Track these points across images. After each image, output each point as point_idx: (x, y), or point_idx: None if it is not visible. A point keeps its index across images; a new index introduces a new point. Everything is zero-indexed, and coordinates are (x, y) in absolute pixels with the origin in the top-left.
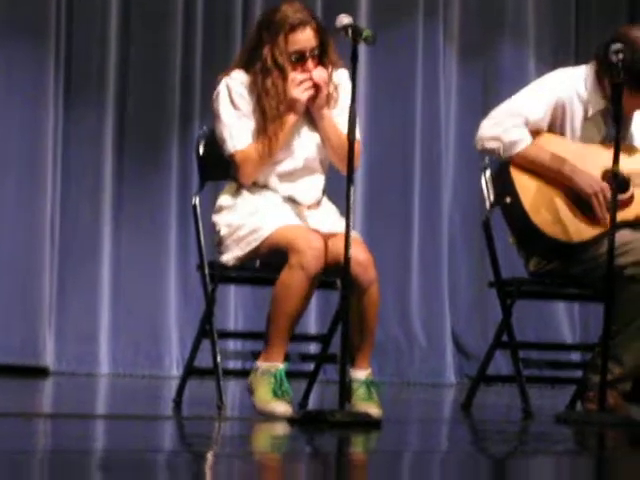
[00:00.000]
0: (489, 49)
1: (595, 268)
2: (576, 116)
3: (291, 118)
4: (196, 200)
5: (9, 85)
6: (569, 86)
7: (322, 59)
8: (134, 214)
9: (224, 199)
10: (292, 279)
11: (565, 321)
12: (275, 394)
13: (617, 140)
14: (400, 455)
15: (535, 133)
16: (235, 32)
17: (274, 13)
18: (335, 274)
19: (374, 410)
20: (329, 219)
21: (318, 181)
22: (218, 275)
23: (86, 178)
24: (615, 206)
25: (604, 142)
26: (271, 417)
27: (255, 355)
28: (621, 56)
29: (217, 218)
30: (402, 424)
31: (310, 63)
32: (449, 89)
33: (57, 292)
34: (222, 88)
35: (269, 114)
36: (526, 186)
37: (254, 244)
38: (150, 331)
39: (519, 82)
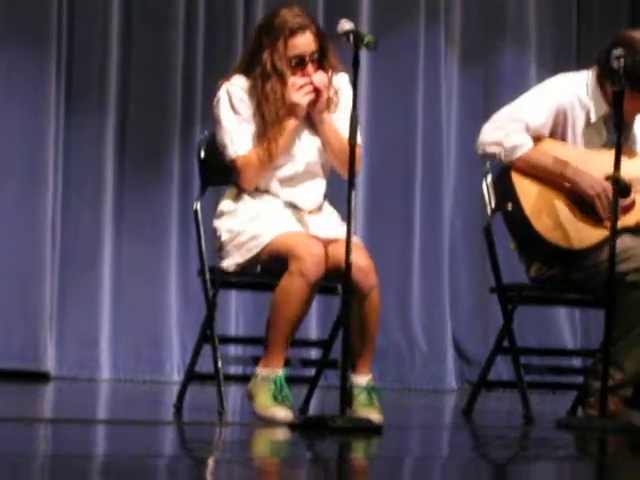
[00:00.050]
0: (490, 54)
1: (596, 274)
2: (577, 122)
3: (292, 123)
4: (197, 205)
5: (10, 90)
6: (570, 91)
7: (322, 63)
8: (135, 219)
9: (225, 204)
10: (292, 286)
11: (566, 327)
12: (275, 399)
13: (618, 146)
14: (401, 461)
15: (536, 139)
16: (237, 35)
17: (273, 18)
18: (336, 280)
19: (375, 416)
20: (330, 224)
21: (319, 186)
22: (219, 280)
23: (87, 184)
24: (616, 212)
25: (606, 147)
26: (272, 422)
27: (256, 360)
28: (622, 62)
29: (218, 223)
30: (403, 430)
31: (310, 67)
32: (450, 94)
33: (58, 297)
34: (222, 94)
35: (268, 119)
36: (527, 191)
37: (255, 250)
38: (151, 336)
39: (520, 87)
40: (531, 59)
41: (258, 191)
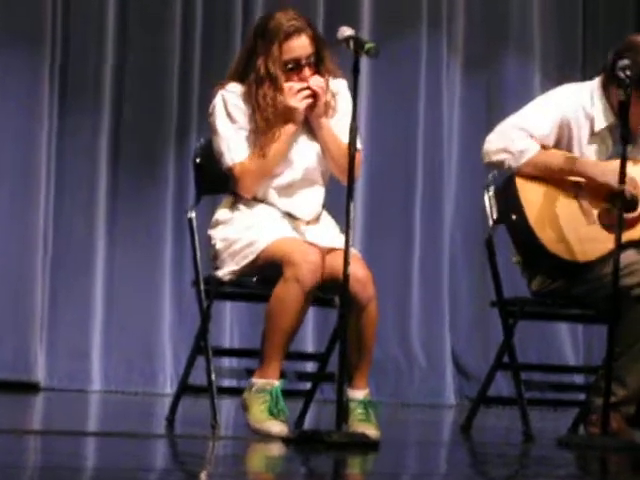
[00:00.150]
0: (493, 62)
1: (599, 288)
2: (582, 133)
3: (290, 128)
4: (192, 214)
5: (3, 94)
6: (574, 102)
7: (318, 67)
8: (129, 228)
9: (221, 213)
10: (287, 292)
11: (568, 342)
12: (271, 413)
13: (623, 158)
14: (398, 478)
15: (542, 148)
16: (235, 37)
17: (268, 21)
18: (332, 291)
19: (372, 431)
20: (328, 234)
21: (318, 194)
22: (214, 291)
23: (80, 190)
24: (621, 226)
25: (612, 159)
26: (266, 437)
27: (250, 373)
28: (628, 72)
29: (213, 232)
30: (400, 446)
31: (306, 71)
32: (452, 102)
33: (49, 307)
34: (218, 101)
35: (260, 126)
36: (532, 201)
37: (250, 257)
38: (144, 347)
39: (523, 96)
40: (535, 68)
41: (254, 200)
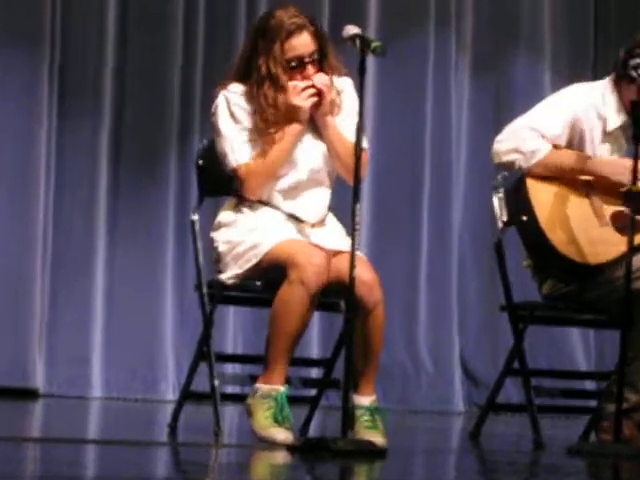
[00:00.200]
0: (502, 61)
1: (611, 292)
2: (595, 133)
3: (295, 127)
4: (194, 216)
5: (2, 93)
6: (585, 101)
7: (322, 65)
8: (130, 229)
9: (224, 215)
10: (291, 295)
11: (579, 348)
12: (275, 420)
13: (636, 158)
14: None
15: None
16: (238, 35)
17: (268, 19)
18: (338, 294)
19: (378, 438)
20: (333, 237)
21: (323, 196)
22: (217, 295)
23: (80, 190)
24: (633, 228)
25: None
26: (270, 444)
27: (253, 379)
28: None
29: (216, 235)
30: (407, 453)
31: (310, 69)
32: (460, 102)
33: (48, 311)
34: (220, 101)
35: (260, 127)
36: (542, 202)
37: (254, 260)
38: (145, 353)
39: (534, 97)
40: (545, 67)
41: (258, 203)
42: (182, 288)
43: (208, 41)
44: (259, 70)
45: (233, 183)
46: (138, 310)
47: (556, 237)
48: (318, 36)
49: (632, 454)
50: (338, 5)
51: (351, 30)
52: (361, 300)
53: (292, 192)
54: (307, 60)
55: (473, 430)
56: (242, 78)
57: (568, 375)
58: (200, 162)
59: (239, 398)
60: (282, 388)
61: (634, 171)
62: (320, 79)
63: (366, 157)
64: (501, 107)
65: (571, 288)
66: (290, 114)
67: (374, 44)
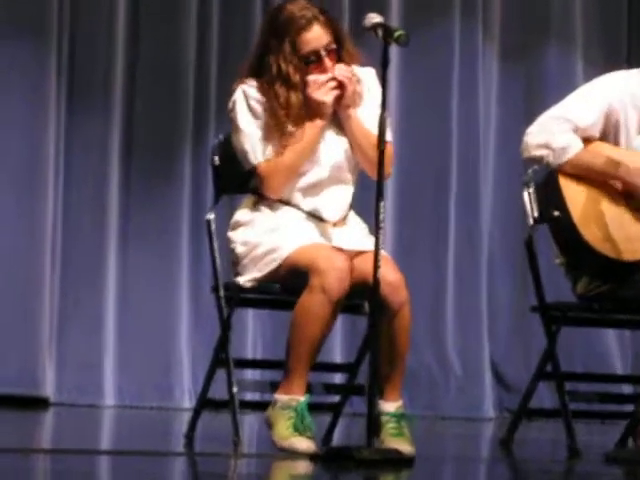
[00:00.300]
0: (532, 51)
1: None
2: (631, 123)
3: (318, 123)
4: (210, 215)
5: (9, 88)
6: (621, 90)
7: (340, 55)
8: (142, 229)
9: (241, 214)
10: (313, 302)
11: (615, 350)
12: (296, 429)
13: None
14: None
15: (585, 141)
16: (254, 27)
17: (278, 15)
18: (362, 296)
19: (405, 446)
20: (356, 236)
21: (346, 193)
22: (235, 298)
23: (90, 189)
24: None
25: None
26: (292, 454)
27: (274, 386)
28: None
29: (233, 234)
30: (436, 462)
31: (327, 62)
32: (488, 94)
33: (58, 316)
34: (238, 96)
35: (273, 126)
36: (575, 198)
37: (273, 265)
38: (160, 359)
39: (565, 87)
40: (577, 57)
41: (278, 202)
42: (198, 290)
43: (222, 31)
44: (270, 69)
45: (252, 181)
46: (152, 314)
47: (590, 233)
48: (330, 25)
49: None
50: None
51: (373, 19)
52: (386, 301)
53: (313, 190)
54: (323, 53)
55: (504, 437)
56: (255, 76)
57: (604, 378)
58: (215, 159)
59: (259, 406)
60: (302, 398)
61: None
62: (340, 70)
63: (391, 150)
64: (531, 98)
65: (607, 287)
66: (312, 110)
67: (397, 33)
